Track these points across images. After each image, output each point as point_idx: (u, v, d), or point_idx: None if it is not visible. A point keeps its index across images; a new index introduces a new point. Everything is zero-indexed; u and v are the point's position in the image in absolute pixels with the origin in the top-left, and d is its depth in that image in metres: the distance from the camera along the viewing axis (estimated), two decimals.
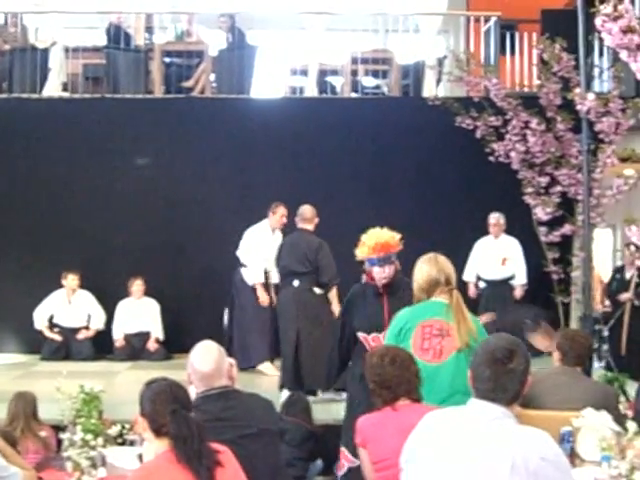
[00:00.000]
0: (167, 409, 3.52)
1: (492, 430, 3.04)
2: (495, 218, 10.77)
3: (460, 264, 10.43)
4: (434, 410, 3.48)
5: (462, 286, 10.62)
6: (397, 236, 6.17)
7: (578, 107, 8.99)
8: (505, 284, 10.85)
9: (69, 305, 11.24)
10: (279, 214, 10.02)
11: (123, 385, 9.24)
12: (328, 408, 7.71)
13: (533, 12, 12.05)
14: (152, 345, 11.22)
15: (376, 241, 6.07)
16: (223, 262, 10.79)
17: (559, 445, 3.40)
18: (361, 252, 6.13)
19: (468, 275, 10.88)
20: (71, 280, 11.19)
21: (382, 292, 6.11)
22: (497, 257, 10.81)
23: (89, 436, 4.81)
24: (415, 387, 4.57)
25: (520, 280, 10.79)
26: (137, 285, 11.27)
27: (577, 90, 8.88)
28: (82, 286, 11.26)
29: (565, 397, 5.19)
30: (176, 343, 10.99)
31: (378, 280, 6.08)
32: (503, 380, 3.09)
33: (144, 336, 11.26)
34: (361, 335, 6.07)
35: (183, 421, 3.49)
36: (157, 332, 11.32)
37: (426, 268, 5.29)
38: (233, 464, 3.66)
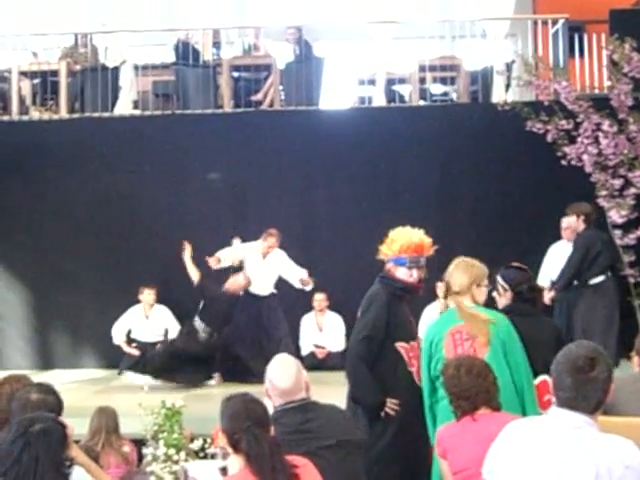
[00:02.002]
0: (242, 426, 3.57)
1: (575, 439, 3.01)
2: (567, 222, 10.64)
3: (534, 269, 10.32)
4: (514, 419, 3.47)
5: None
6: (429, 240, 5.88)
7: None
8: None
9: (146, 320, 11.34)
10: (267, 244, 10.69)
11: (201, 398, 9.30)
12: None
13: (601, 12, 11.89)
14: None
15: (410, 240, 5.82)
16: None
17: None
18: (390, 250, 5.84)
19: (542, 280, 10.72)
20: (147, 295, 11.28)
21: (403, 296, 5.83)
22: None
23: (172, 451, 4.85)
24: (494, 396, 4.55)
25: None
26: None
27: None
28: (158, 301, 11.36)
29: None
30: None
31: (411, 283, 5.79)
32: (585, 389, 3.06)
33: None
34: (401, 346, 5.71)
35: (255, 439, 3.55)
36: None
37: (448, 277, 5.27)
38: (313, 476, 3.68)
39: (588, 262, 9.62)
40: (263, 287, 10.74)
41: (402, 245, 5.78)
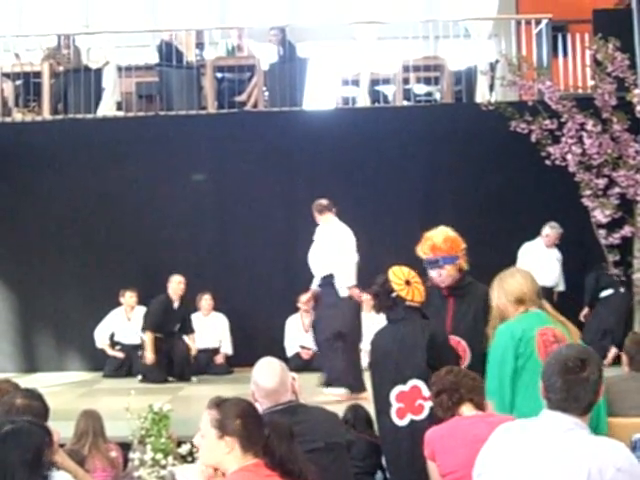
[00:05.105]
0: (260, 429, 3.50)
1: (566, 441, 2.99)
2: (555, 232, 10.79)
3: None
4: (505, 421, 3.45)
5: None
6: (456, 241, 5.90)
7: (639, 108, 8.80)
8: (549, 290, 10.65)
9: (128, 322, 11.25)
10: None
11: (187, 401, 9.26)
12: None
13: (584, 12, 11.93)
14: (219, 360, 11.25)
15: (426, 241, 5.88)
16: (274, 273, 11.31)
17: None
18: (418, 249, 5.93)
19: None
20: (129, 297, 11.20)
21: (446, 295, 5.85)
22: (545, 262, 10.75)
23: (159, 455, 4.82)
24: (476, 391, 4.57)
25: (559, 287, 10.99)
26: (205, 300, 11.28)
27: (636, 91, 8.72)
28: (140, 303, 11.27)
29: (635, 403, 5.12)
30: (237, 357, 11.09)
31: (435, 282, 5.84)
32: (576, 390, 3.04)
33: (210, 352, 11.25)
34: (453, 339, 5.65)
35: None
36: (226, 347, 11.34)
37: (521, 281, 5.16)
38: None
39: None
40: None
41: (421, 246, 5.89)
